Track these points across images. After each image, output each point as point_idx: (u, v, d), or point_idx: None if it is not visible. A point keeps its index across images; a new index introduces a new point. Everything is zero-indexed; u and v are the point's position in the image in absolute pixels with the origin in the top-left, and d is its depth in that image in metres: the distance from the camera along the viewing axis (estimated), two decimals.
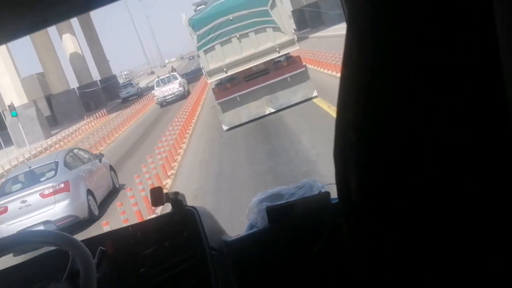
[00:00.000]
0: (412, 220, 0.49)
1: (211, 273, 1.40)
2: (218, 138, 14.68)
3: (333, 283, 1.31)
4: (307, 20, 51.11)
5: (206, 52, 13.92)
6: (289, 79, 14.53)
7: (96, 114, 39.76)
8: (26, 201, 10.14)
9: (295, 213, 1.49)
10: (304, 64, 15.11)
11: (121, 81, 65.68)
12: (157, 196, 1.50)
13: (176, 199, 1.55)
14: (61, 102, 44.20)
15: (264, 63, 14.39)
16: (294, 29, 14.89)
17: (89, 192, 10.67)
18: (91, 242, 1.45)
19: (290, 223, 1.50)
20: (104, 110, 41.50)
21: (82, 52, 52.82)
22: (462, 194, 0.46)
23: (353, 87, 0.52)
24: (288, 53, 14.66)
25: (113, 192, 11.96)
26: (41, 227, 9.91)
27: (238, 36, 13.85)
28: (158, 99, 31.91)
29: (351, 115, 0.52)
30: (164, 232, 1.51)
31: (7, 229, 9.88)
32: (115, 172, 12.69)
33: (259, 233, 1.54)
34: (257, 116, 14.89)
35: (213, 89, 15.17)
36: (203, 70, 14.72)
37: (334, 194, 0.89)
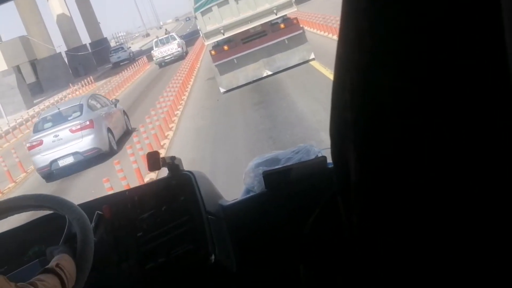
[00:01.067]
0: (411, 201, 0.48)
1: (208, 237, 1.40)
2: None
3: (330, 250, 1.31)
4: None
5: (203, 13, 13.74)
6: (286, 41, 14.38)
7: (83, 81, 35.72)
8: (58, 135, 12.04)
9: (292, 178, 1.49)
10: (301, 26, 14.96)
11: (115, 44, 62.84)
12: (154, 160, 1.49)
13: (173, 164, 1.54)
14: (47, 67, 40.54)
15: (262, 25, 14.23)
16: None
17: (109, 130, 12.52)
18: (88, 206, 1.45)
19: (287, 188, 1.49)
20: (91, 77, 37.29)
21: (70, 13, 48.93)
22: (460, 176, 0.45)
23: (350, 68, 0.51)
24: (286, 15, 14.49)
25: (127, 133, 13.71)
26: (71, 158, 11.90)
27: None
28: (157, 59, 31.99)
29: (348, 96, 0.51)
30: (161, 197, 1.50)
31: (42, 159, 11.91)
32: (127, 116, 14.55)
33: (255, 197, 1.54)
34: (254, 79, 14.81)
35: (210, 51, 15.04)
36: (200, 32, 14.56)
37: (330, 158, 0.89)
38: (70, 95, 31.25)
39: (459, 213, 0.46)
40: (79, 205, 1.41)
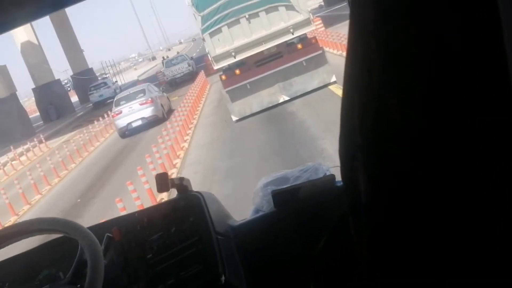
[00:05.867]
0: (421, 221, 0.53)
1: (218, 258, 1.54)
2: None
3: (340, 270, 1.47)
4: None
5: (212, 35, 13.91)
6: (304, 63, 14.48)
7: (31, 142, 27.95)
8: (131, 107, 22.09)
9: (301, 197, 1.66)
10: (321, 46, 15.03)
11: (125, 66, 58.24)
12: (163, 181, 1.67)
13: (181, 185, 1.72)
14: None
15: (277, 46, 14.35)
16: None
17: (161, 105, 22.96)
18: (98, 229, 1.62)
19: (295, 207, 1.66)
20: (42, 136, 29.16)
21: (38, 41, 42.10)
22: (471, 194, 0.50)
23: (359, 89, 0.55)
24: (304, 34, 14.63)
25: (170, 110, 23.16)
26: (139, 121, 21.93)
27: (247, 16, 13.83)
28: (168, 78, 37.34)
29: (358, 120, 0.55)
30: (170, 218, 1.67)
31: (122, 122, 22.13)
32: (169, 100, 25.13)
33: (265, 217, 1.71)
34: (269, 105, 14.87)
35: (220, 75, 15.10)
36: (208, 55, 14.69)
37: (338, 176, 1.04)
38: (16, 161, 25.26)
39: (474, 234, 0.50)
40: (89, 228, 1.59)
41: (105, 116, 29.19)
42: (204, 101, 24.01)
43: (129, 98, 22.78)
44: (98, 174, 16.61)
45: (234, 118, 15.06)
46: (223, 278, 1.51)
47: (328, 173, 1.72)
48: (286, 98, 14.88)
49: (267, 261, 1.65)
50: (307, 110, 13.57)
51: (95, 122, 28.54)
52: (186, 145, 15.44)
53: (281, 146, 11.35)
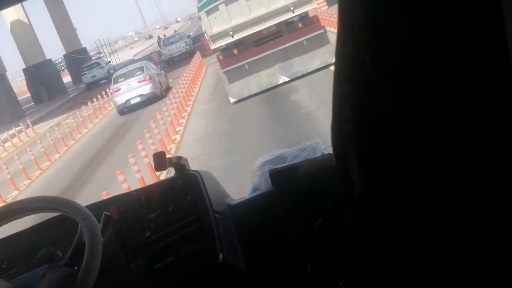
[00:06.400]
0: (418, 215, 0.54)
1: (215, 236, 1.58)
2: None
3: (338, 249, 1.52)
4: None
5: (208, 13, 13.86)
6: (305, 43, 14.48)
7: (17, 126, 27.36)
8: (130, 84, 23.10)
9: (298, 176, 1.70)
10: (322, 25, 15.01)
11: (122, 44, 60.55)
12: (160, 160, 1.72)
13: (179, 163, 1.77)
14: None
15: (276, 24, 14.33)
16: None
17: (159, 82, 24.13)
18: (96, 208, 1.67)
19: (293, 185, 1.70)
20: (28, 121, 29.25)
21: (29, 20, 42.19)
22: (468, 187, 0.51)
23: (349, 83, 0.56)
24: (306, 12, 14.59)
25: (168, 88, 24.65)
26: (138, 98, 23.02)
27: None
28: (165, 57, 38.26)
29: (349, 110, 0.56)
30: (168, 197, 1.72)
31: (120, 99, 23.25)
32: (167, 78, 26.65)
33: (262, 195, 1.75)
34: (268, 86, 14.87)
35: (217, 55, 15.09)
36: (205, 35, 14.66)
37: None
38: None
39: (467, 225, 0.52)
40: (87, 206, 1.63)
41: (94, 100, 29.22)
42: (199, 85, 23.68)
43: (128, 75, 23.87)
44: (83, 167, 15.84)
45: (232, 100, 15.06)
46: (221, 256, 1.56)
47: (325, 152, 1.76)
48: (286, 79, 14.87)
49: (264, 239, 1.70)
50: (314, 100, 13.08)
51: (83, 107, 28.17)
52: (178, 137, 14.50)
53: (285, 144, 10.98)
